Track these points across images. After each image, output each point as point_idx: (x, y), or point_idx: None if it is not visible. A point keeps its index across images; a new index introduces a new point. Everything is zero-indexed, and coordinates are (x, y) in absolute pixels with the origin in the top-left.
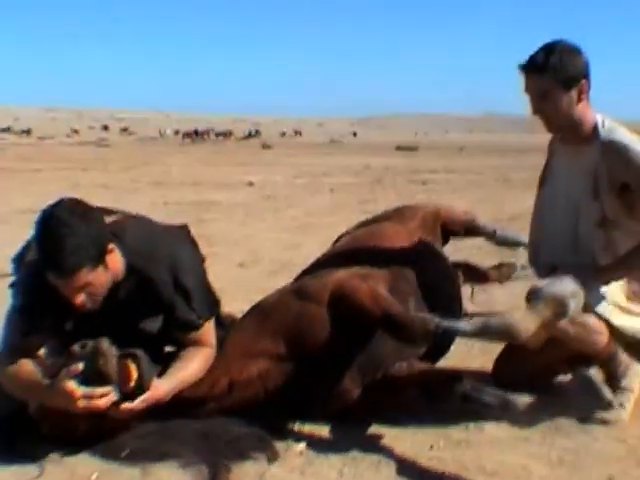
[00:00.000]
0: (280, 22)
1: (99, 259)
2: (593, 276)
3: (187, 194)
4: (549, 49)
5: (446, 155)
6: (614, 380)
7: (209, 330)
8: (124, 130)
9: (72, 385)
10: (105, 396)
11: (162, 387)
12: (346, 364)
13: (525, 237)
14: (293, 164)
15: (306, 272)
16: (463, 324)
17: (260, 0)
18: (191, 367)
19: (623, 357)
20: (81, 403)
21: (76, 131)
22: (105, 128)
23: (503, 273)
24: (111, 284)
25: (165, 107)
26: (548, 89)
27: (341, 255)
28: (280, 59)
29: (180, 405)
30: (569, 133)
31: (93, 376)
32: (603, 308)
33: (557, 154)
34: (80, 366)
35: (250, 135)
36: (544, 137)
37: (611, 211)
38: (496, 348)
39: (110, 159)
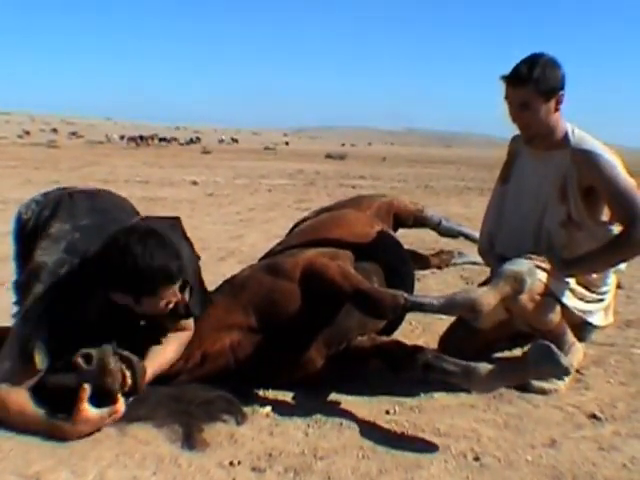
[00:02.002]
0: (217, 38)
1: None
2: (560, 266)
3: (135, 191)
4: (532, 62)
5: (371, 164)
6: None
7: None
8: (73, 134)
9: (91, 412)
10: (114, 413)
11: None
12: (313, 336)
13: (465, 228)
14: (232, 167)
15: (270, 254)
16: (429, 299)
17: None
18: (169, 351)
19: (569, 336)
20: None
21: (27, 132)
22: (54, 131)
23: (443, 259)
24: None
25: (112, 115)
26: (530, 99)
27: (307, 237)
28: (218, 73)
29: (155, 379)
30: (542, 139)
31: (99, 391)
32: (558, 290)
33: (523, 156)
34: (88, 387)
35: (191, 141)
36: (460, 151)
37: (576, 212)
38: (438, 327)
39: (60, 159)
